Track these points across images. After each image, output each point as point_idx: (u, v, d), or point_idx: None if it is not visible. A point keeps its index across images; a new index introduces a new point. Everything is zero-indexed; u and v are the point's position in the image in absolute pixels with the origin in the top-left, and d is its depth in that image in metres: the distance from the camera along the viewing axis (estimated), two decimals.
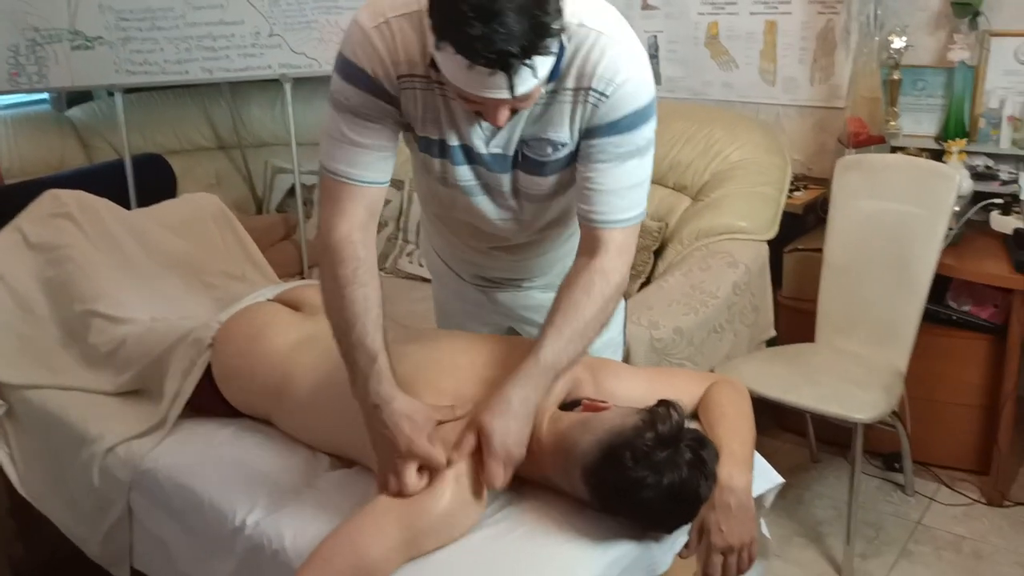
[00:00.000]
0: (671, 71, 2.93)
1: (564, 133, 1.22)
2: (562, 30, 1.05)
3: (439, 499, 1.12)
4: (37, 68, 2.75)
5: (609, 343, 1.57)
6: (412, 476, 1.13)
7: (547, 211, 1.37)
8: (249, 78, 2.85)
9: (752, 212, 2.36)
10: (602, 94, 1.17)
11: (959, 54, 2.37)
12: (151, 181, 2.83)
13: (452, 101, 1.20)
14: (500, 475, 1.14)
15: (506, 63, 1.00)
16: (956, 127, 2.42)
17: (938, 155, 2.39)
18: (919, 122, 2.52)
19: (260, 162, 3.27)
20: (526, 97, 1.08)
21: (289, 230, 2.98)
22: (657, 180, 2.54)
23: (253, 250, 2.03)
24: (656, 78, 2.91)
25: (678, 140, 2.52)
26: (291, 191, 3.11)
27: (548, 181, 1.28)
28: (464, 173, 1.28)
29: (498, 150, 1.25)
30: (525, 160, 1.26)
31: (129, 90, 2.97)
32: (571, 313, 1.20)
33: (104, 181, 2.70)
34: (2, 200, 2.38)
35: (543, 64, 1.05)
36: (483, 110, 1.11)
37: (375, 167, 1.23)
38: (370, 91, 1.19)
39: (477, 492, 1.16)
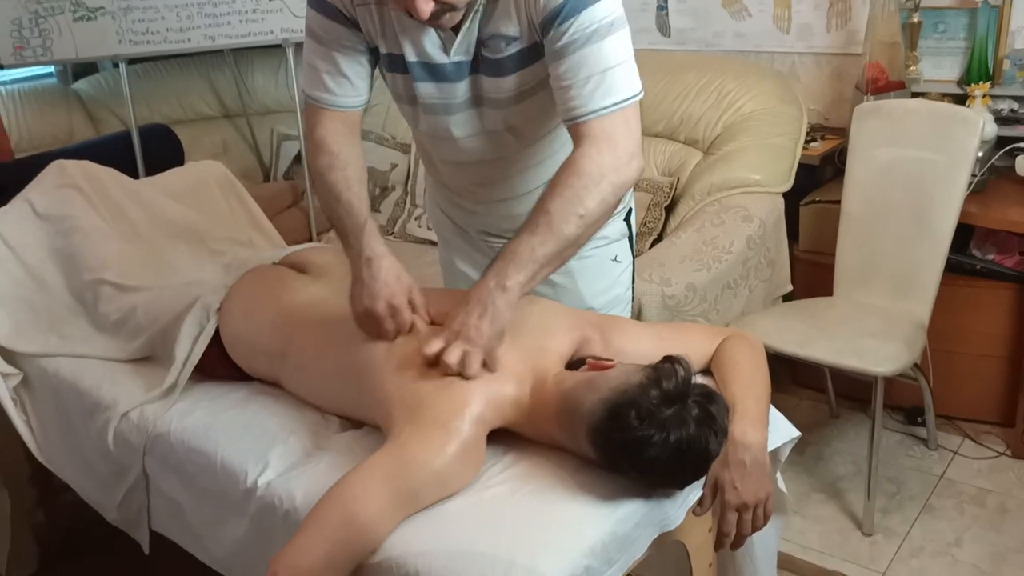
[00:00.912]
0: (681, 22, 2.85)
1: (513, 26, 1.20)
2: None
3: (433, 456, 1.10)
4: (41, 41, 2.74)
5: (617, 300, 1.54)
6: (390, 325, 1.24)
7: (528, 128, 1.33)
8: (251, 44, 2.82)
9: (766, 164, 2.31)
10: None
11: None
12: (159, 151, 2.82)
13: (404, 14, 1.18)
14: (455, 356, 1.15)
15: None
16: (979, 70, 2.34)
17: (961, 99, 2.32)
18: (940, 66, 2.44)
19: (266, 130, 3.26)
20: None
21: (296, 197, 2.96)
22: (668, 135, 2.49)
23: (259, 215, 2.02)
24: (665, 30, 2.89)
25: (688, 93, 2.46)
26: (297, 158, 3.10)
27: (507, 83, 1.26)
28: (426, 90, 1.28)
29: (460, 57, 1.24)
30: (485, 62, 1.24)
31: (133, 61, 2.95)
32: (535, 208, 1.18)
33: (112, 153, 2.70)
34: (13, 174, 2.38)
35: None
36: (408, 2, 1.10)
37: (342, 92, 1.31)
38: (328, 15, 1.25)
39: (474, 448, 1.14)
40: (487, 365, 1.17)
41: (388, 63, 1.28)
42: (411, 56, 1.24)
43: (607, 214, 1.21)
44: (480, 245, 1.55)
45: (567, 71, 1.17)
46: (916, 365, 2.06)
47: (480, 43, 1.22)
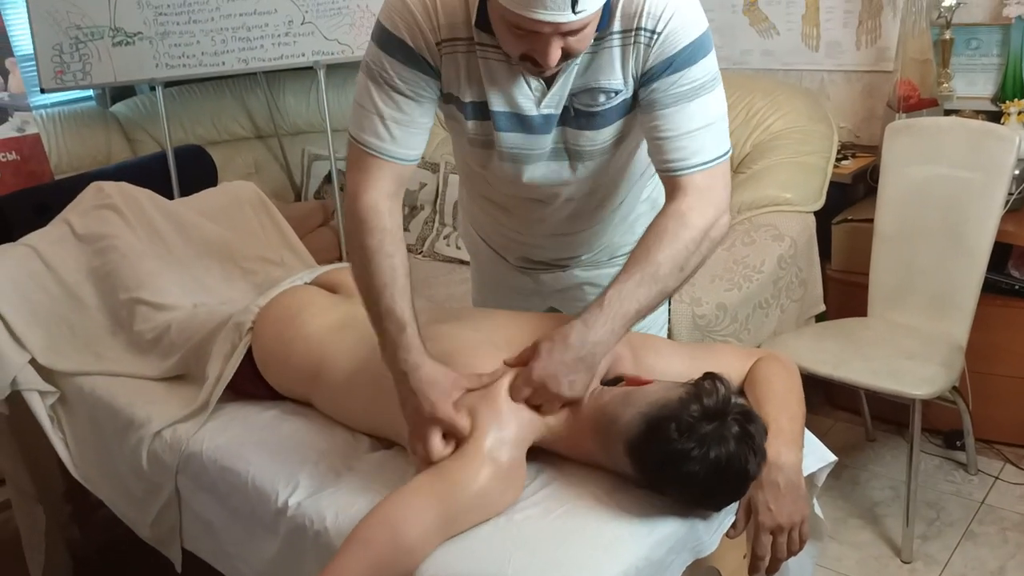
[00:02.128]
0: None
1: (617, 79, 1.18)
2: None
3: (475, 477, 1.10)
4: (81, 65, 2.81)
5: (653, 321, 1.53)
6: (438, 442, 1.14)
7: (606, 171, 1.32)
8: (284, 66, 2.87)
9: (797, 183, 2.29)
10: (653, 32, 1.14)
11: (1016, 9, 2.26)
12: (193, 172, 2.86)
13: (496, 63, 1.17)
14: (542, 405, 1.14)
15: None
16: (1014, 87, 2.30)
17: (995, 117, 2.29)
18: (974, 83, 2.41)
19: (297, 150, 3.30)
20: (581, 29, 1.06)
21: (327, 216, 2.99)
22: None
23: (290, 235, 2.04)
24: None
25: None
26: (328, 177, 3.13)
27: (603, 134, 1.24)
28: (510, 140, 1.24)
29: (550, 110, 1.21)
30: (576, 115, 1.22)
31: (169, 84, 3.01)
32: (641, 257, 1.16)
33: (148, 173, 2.75)
34: (53, 194, 2.44)
35: None
36: (535, 49, 1.08)
37: (405, 143, 1.22)
38: (408, 62, 1.18)
39: (515, 469, 1.14)
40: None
41: (471, 111, 1.24)
42: (497, 106, 1.21)
43: (698, 271, 1.22)
44: (515, 271, 1.54)
45: (670, 122, 1.17)
46: (954, 387, 2.02)
47: (571, 96, 1.21)
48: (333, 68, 2.86)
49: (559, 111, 1.22)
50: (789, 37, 2.69)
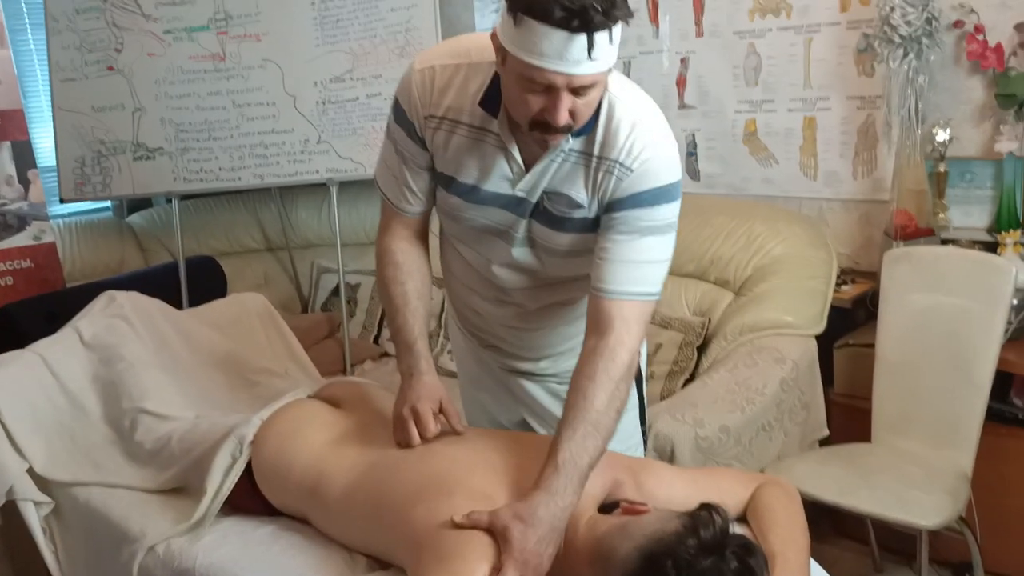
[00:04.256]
0: (709, 168, 2.95)
1: (583, 195, 1.26)
2: (630, 15, 1.11)
3: None
4: (102, 178, 2.92)
5: (629, 443, 1.54)
6: (414, 430, 1.34)
7: (563, 270, 1.39)
8: (298, 183, 2.96)
9: (798, 306, 2.32)
10: (627, 168, 1.22)
11: (1007, 145, 2.34)
12: (204, 282, 2.91)
13: (479, 143, 1.27)
14: None
15: (587, 18, 1.05)
16: (1008, 218, 2.36)
17: (992, 247, 2.33)
18: (969, 214, 2.47)
19: (306, 263, 3.36)
20: (590, 86, 1.12)
21: (333, 328, 3.02)
22: (699, 275, 2.53)
23: (296, 347, 2.06)
24: (694, 175, 2.99)
25: (718, 235, 2.51)
26: (335, 290, 3.17)
27: (563, 239, 1.32)
28: (486, 214, 1.33)
29: (523, 194, 1.30)
30: (545, 212, 1.30)
31: (185, 196, 3.11)
32: (581, 405, 1.19)
33: (160, 283, 2.80)
34: (64, 303, 2.48)
35: (612, 48, 1.11)
36: (546, 108, 1.14)
37: (406, 199, 1.40)
38: (403, 126, 1.33)
39: None
40: None
41: (452, 186, 1.33)
42: (473, 180, 1.30)
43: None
44: (488, 377, 1.59)
45: (615, 248, 1.24)
46: (961, 518, 1.98)
47: (546, 193, 1.29)
48: (345, 185, 2.96)
49: (533, 200, 1.30)
50: (788, 166, 2.79)
